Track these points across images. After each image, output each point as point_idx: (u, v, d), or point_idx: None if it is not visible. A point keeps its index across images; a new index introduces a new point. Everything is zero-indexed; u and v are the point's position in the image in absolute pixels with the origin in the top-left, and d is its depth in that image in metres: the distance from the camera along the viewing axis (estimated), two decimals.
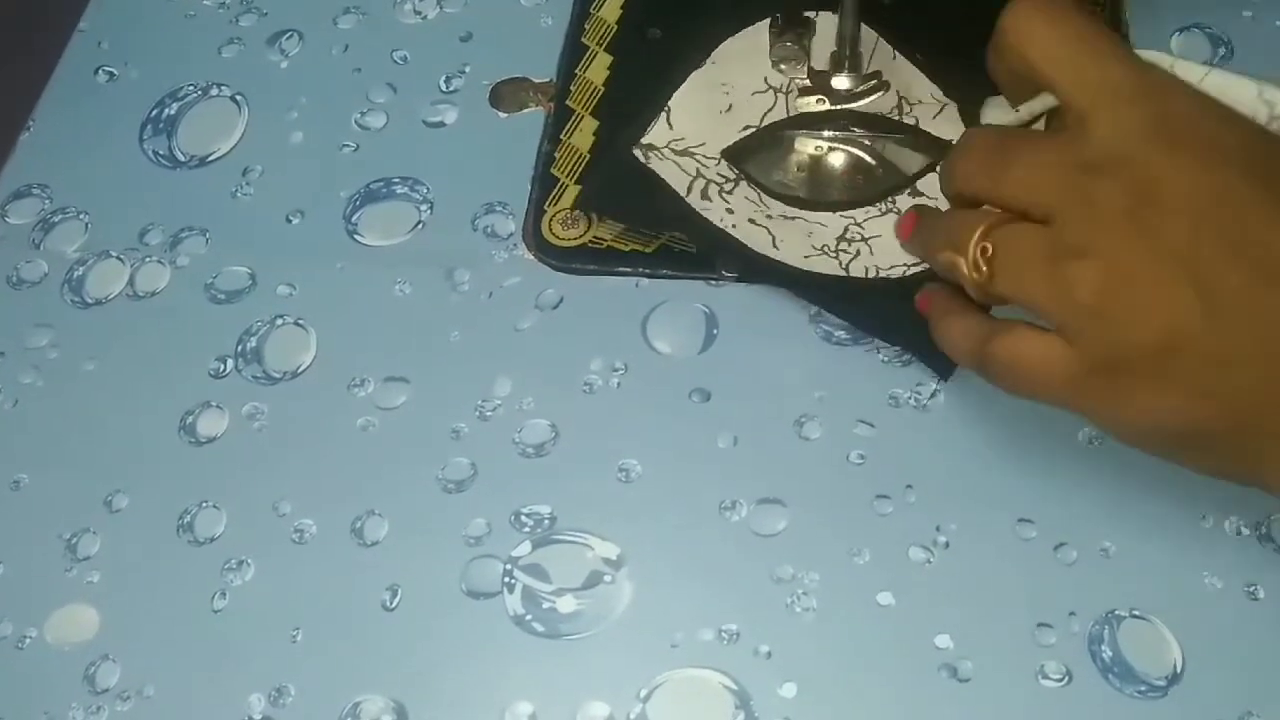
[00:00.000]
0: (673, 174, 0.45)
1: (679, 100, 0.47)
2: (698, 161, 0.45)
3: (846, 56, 0.44)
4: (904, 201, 0.44)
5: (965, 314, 0.36)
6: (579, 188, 0.46)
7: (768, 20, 0.47)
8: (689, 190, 0.45)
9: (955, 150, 0.35)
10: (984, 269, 0.33)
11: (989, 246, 0.32)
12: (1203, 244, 0.29)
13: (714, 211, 0.44)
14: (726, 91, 0.47)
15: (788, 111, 0.46)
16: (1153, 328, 0.30)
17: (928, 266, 0.41)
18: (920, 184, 0.45)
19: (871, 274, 0.43)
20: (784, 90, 0.46)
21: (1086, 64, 0.32)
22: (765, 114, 0.46)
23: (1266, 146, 0.31)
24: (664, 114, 0.46)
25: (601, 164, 0.46)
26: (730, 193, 0.45)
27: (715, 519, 0.40)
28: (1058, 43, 0.32)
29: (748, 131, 0.46)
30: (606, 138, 0.47)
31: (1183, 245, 0.30)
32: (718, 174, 0.45)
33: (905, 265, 0.43)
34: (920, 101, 0.46)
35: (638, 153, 0.45)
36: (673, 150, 0.45)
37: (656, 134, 0.46)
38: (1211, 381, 0.30)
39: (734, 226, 0.44)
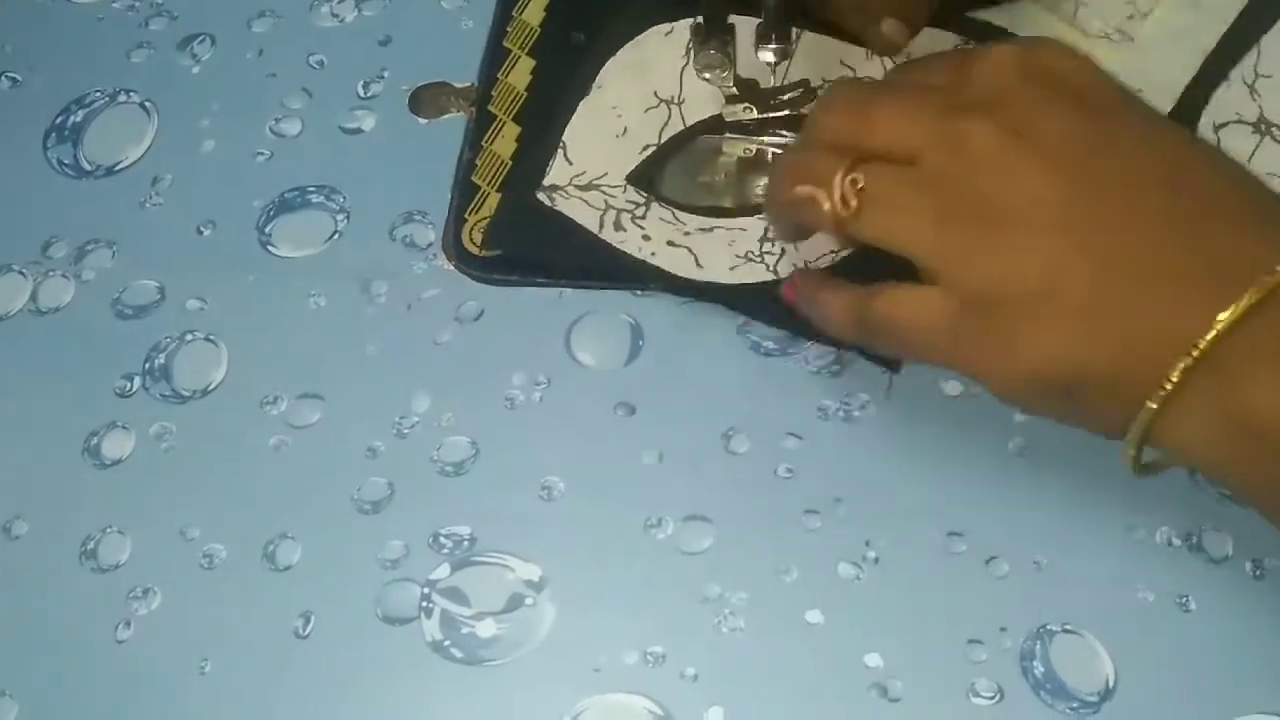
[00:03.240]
0: (581, 212, 0.44)
1: (572, 133, 0.45)
2: (604, 194, 0.44)
3: (773, 28, 0.43)
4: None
5: (838, 287, 0.35)
6: (500, 195, 0.45)
7: (646, 33, 0.46)
8: (601, 225, 0.43)
9: (819, 102, 0.35)
10: (852, 203, 0.32)
11: (859, 179, 0.32)
12: (1075, 184, 0.29)
13: (630, 242, 0.43)
14: (619, 115, 0.45)
15: (684, 122, 0.45)
16: (1026, 270, 0.29)
17: (855, 251, 0.41)
18: None
19: (800, 268, 0.42)
20: (676, 101, 0.45)
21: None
22: (662, 129, 0.45)
23: (1134, 97, 0.32)
24: (560, 150, 0.45)
25: (507, 215, 0.44)
26: (644, 218, 0.44)
27: (640, 537, 0.39)
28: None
29: (648, 151, 0.45)
30: (517, 171, 0.45)
31: (1055, 185, 0.29)
32: (627, 201, 0.44)
33: (833, 253, 0.42)
34: (824, 83, 0.45)
35: (542, 196, 0.44)
36: (577, 187, 0.44)
37: (557, 173, 0.45)
38: (1087, 327, 0.29)
39: (654, 255, 0.43)
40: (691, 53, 0.44)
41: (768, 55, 0.43)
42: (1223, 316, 0.28)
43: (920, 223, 0.31)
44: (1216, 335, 0.28)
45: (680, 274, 0.42)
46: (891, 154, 0.32)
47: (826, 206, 0.32)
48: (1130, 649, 0.36)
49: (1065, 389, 0.30)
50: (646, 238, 0.43)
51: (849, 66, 0.46)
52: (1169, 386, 0.28)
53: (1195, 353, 0.28)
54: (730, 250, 0.43)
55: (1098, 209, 0.29)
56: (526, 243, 0.44)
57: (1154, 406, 0.29)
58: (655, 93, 0.46)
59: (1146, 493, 0.38)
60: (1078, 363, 0.29)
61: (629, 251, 0.43)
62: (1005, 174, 0.30)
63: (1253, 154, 0.43)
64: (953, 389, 0.40)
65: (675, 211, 0.44)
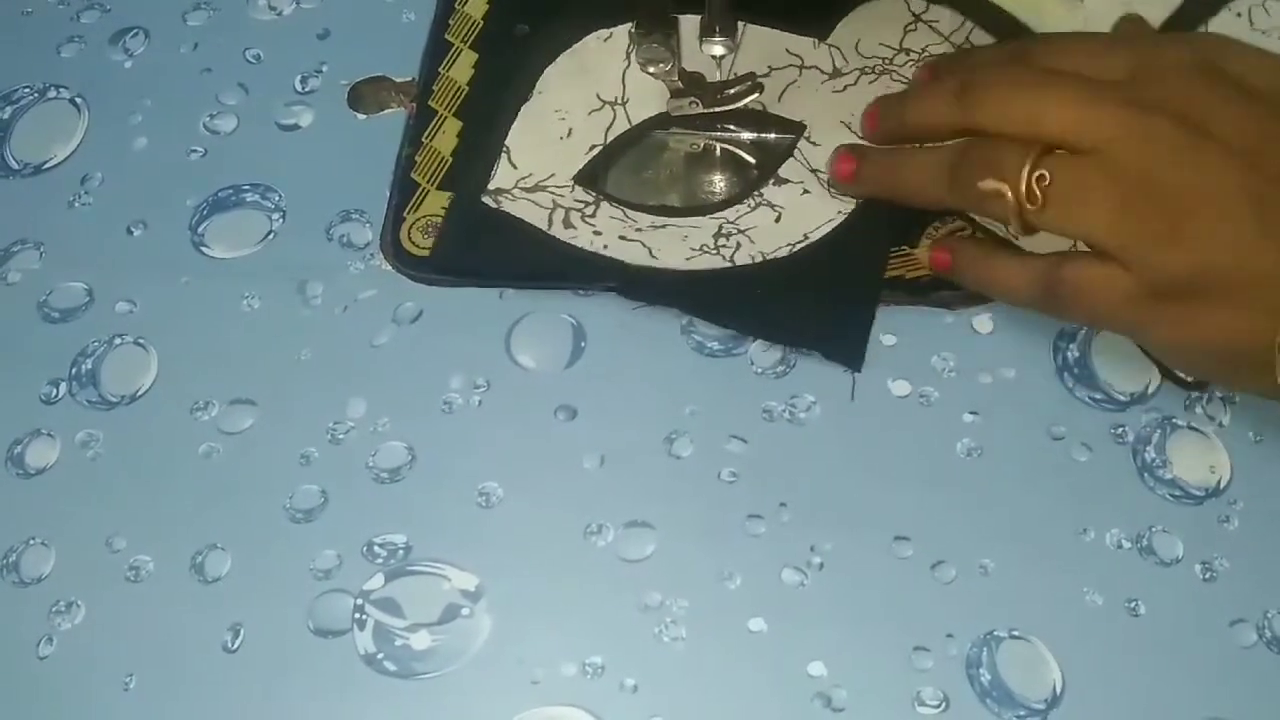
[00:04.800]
0: (529, 211, 0.43)
1: (515, 138, 0.44)
2: (552, 194, 0.43)
3: (718, 20, 0.42)
4: (771, 192, 0.43)
5: (1018, 254, 0.37)
6: (445, 194, 0.44)
7: (587, 39, 0.45)
8: (550, 223, 0.42)
9: (982, 81, 0.36)
10: (1039, 197, 0.34)
11: (1047, 174, 0.34)
12: (1255, 174, 0.32)
13: (581, 238, 0.42)
14: (562, 117, 0.44)
15: (630, 121, 0.44)
16: (1214, 259, 0.32)
17: (813, 242, 0.40)
18: (782, 170, 0.43)
19: (758, 259, 0.41)
20: (620, 101, 0.44)
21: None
22: (608, 129, 0.44)
23: None
24: (504, 154, 0.44)
25: (454, 225, 0.43)
26: (593, 215, 0.43)
27: (580, 544, 0.38)
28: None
29: (595, 151, 0.44)
30: (460, 175, 0.44)
31: (1237, 176, 0.32)
32: (575, 200, 0.43)
33: (789, 246, 0.41)
34: (771, 70, 0.44)
35: (488, 200, 0.43)
36: (523, 189, 0.43)
37: (502, 178, 0.43)
38: (1266, 303, 0.32)
39: (605, 247, 0.42)
40: (633, 50, 0.43)
41: (715, 49, 0.42)
42: None
43: (1107, 215, 0.33)
44: None
45: (635, 263, 0.41)
46: (1075, 145, 0.34)
47: (1011, 198, 0.34)
48: (1078, 655, 0.35)
49: (1246, 361, 0.33)
50: (598, 233, 0.42)
51: (796, 55, 0.45)
52: None
53: None
54: (685, 244, 0.42)
55: (1275, 193, 0.32)
56: (476, 247, 0.43)
57: None
58: (598, 95, 0.45)
59: (1096, 495, 0.38)
60: (1263, 336, 0.32)
61: (581, 246, 0.42)
62: (1189, 167, 0.32)
63: None
64: (901, 389, 0.40)
65: (625, 210, 0.43)
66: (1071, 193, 0.34)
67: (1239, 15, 0.45)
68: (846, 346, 0.39)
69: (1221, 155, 0.32)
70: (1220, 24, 0.45)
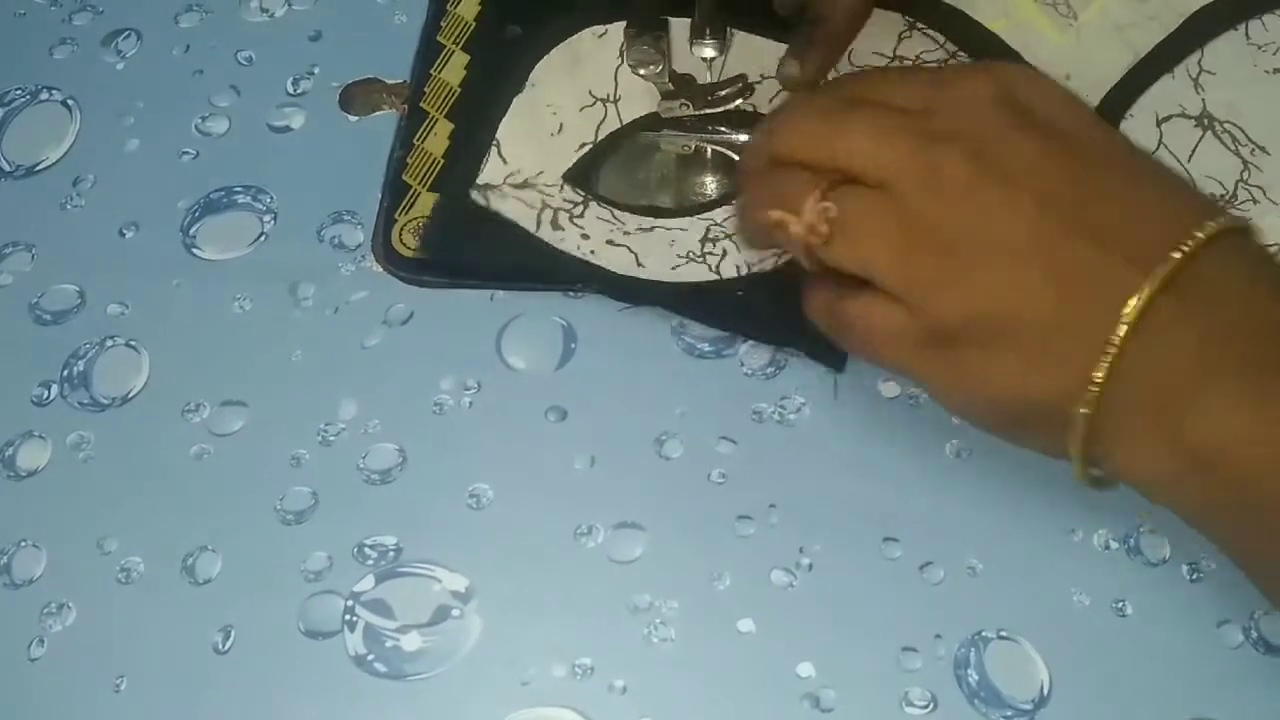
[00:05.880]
0: (518, 211, 0.43)
1: (506, 131, 0.44)
2: (540, 192, 0.43)
3: (707, 23, 0.42)
4: None
5: (820, 280, 0.35)
6: (435, 195, 0.44)
7: (583, 33, 0.45)
8: (538, 224, 0.42)
9: (782, 113, 0.35)
10: (823, 230, 0.32)
11: (832, 207, 0.32)
12: (1045, 219, 0.29)
13: (569, 241, 0.42)
14: (554, 112, 0.44)
15: (621, 120, 0.44)
16: (996, 301, 0.30)
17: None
18: None
19: (744, 271, 0.41)
20: (612, 99, 0.44)
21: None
22: (599, 127, 0.44)
23: (1103, 129, 0.32)
24: (494, 147, 0.44)
25: (441, 217, 0.43)
26: (581, 216, 0.43)
27: (570, 546, 0.38)
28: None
29: (585, 149, 0.44)
30: (450, 170, 0.44)
31: (1025, 220, 0.29)
32: (564, 200, 0.43)
33: (776, 256, 0.41)
34: (763, 78, 0.44)
35: (476, 195, 0.43)
36: (512, 185, 0.43)
37: (491, 172, 0.43)
38: (1047, 354, 0.29)
39: (593, 253, 0.42)
40: (625, 50, 0.43)
41: (706, 50, 0.42)
42: (1126, 311, 0.28)
43: (890, 252, 0.31)
44: (1126, 330, 0.28)
45: (621, 272, 0.42)
46: (863, 176, 0.32)
47: (797, 230, 0.32)
48: (1066, 655, 0.36)
49: (1020, 417, 0.31)
50: (585, 236, 0.42)
51: None
52: (1094, 390, 0.28)
53: (1110, 352, 0.28)
54: (671, 250, 0.42)
55: (1066, 243, 0.29)
56: (461, 245, 0.43)
57: (1085, 411, 0.28)
58: (590, 91, 0.45)
59: (1084, 496, 0.37)
60: (1037, 391, 0.30)
61: (568, 250, 0.42)
62: (972, 206, 0.30)
63: (1194, 149, 0.43)
64: (890, 390, 0.40)
65: (614, 211, 0.43)
66: (857, 226, 0.32)
67: (1235, 29, 0.45)
68: (829, 346, 0.39)
69: (1008, 193, 0.30)
70: (1220, 45, 0.45)
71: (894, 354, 0.32)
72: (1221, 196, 0.42)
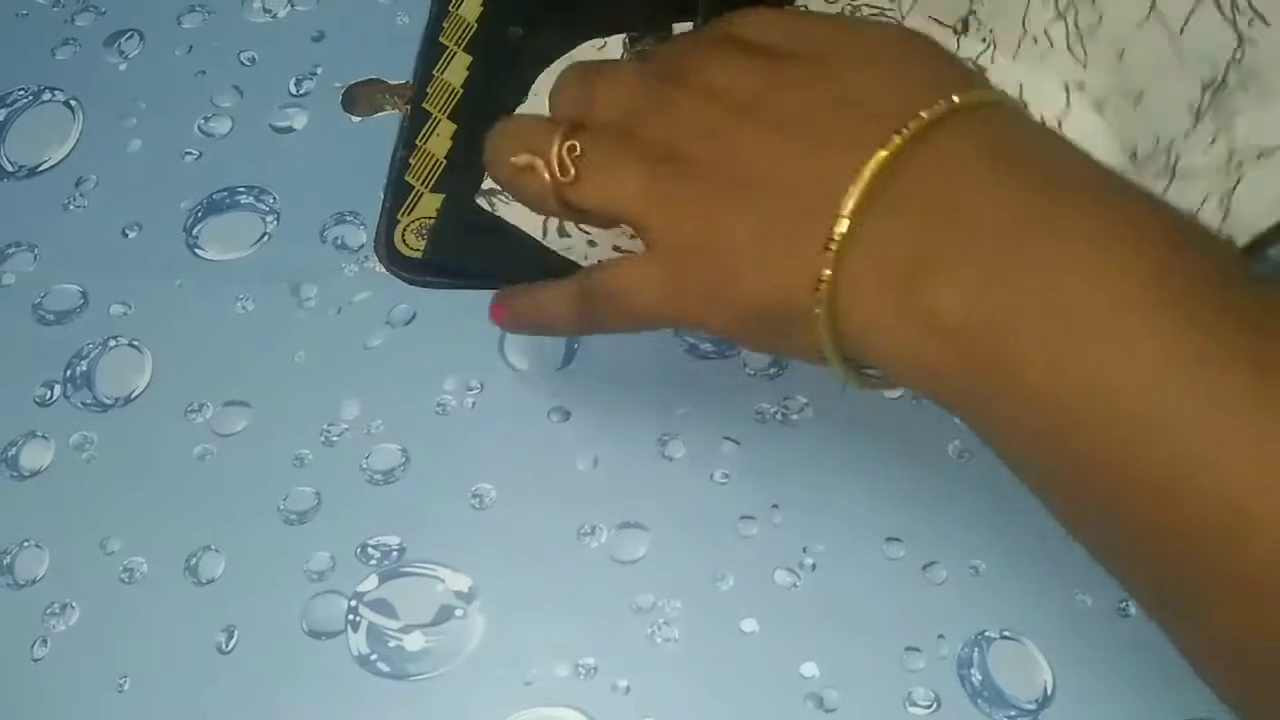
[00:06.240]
0: (522, 217, 0.42)
1: None
2: None
3: None
4: None
5: (547, 286, 0.35)
6: (439, 196, 0.44)
7: (582, 45, 0.45)
8: (544, 231, 0.42)
9: (551, 90, 0.35)
10: (571, 170, 0.32)
11: (577, 145, 0.32)
12: (758, 126, 0.30)
13: (576, 248, 0.42)
14: None
15: None
16: (716, 220, 0.30)
17: None
18: None
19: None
20: None
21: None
22: None
23: (827, 36, 0.32)
24: None
25: (446, 222, 0.43)
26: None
27: (573, 546, 0.38)
28: None
29: None
30: (455, 174, 0.44)
31: (746, 132, 0.30)
32: None
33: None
34: None
35: (481, 201, 0.43)
36: None
37: None
38: (776, 256, 0.29)
39: (600, 260, 0.42)
40: (626, 60, 0.43)
41: None
42: (844, 206, 0.27)
43: (633, 185, 0.31)
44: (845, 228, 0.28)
45: None
46: (611, 126, 0.32)
47: (546, 176, 0.32)
48: (1069, 655, 0.36)
49: (774, 326, 0.30)
50: (592, 243, 0.42)
51: None
52: (824, 285, 0.28)
53: (833, 243, 0.28)
54: None
55: (776, 141, 0.30)
56: (467, 249, 0.43)
57: (819, 312, 0.28)
58: None
59: None
60: (773, 293, 0.29)
61: (574, 259, 0.42)
62: (695, 130, 0.31)
63: (1189, 17, 0.39)
64: (893, 391, 0.40)
65: None
66: (600, 164, 0.32)
67: None
68: None
69: (722, 113, 0.30)
70: None
71: (649, 306, 0.32)
72: (1209, 84, 0.39)
